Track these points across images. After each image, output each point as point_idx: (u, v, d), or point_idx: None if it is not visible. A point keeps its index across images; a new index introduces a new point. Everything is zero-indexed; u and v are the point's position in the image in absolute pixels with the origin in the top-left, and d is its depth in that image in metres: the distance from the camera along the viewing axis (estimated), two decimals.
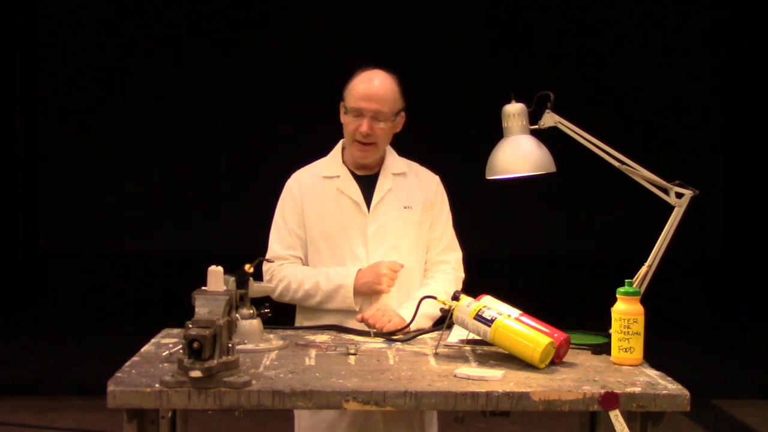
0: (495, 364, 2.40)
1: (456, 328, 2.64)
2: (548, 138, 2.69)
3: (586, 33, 10.95)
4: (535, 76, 8.81)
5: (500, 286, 3.14)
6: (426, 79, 9.67)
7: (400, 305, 2.91)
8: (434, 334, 2.72)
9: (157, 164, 10.87)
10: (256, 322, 2.59)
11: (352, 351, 2.53)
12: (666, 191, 2.60)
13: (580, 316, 3.44)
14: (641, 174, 2.60)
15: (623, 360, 2.42)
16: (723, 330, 8.49)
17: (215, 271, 2.29)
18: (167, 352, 2.32)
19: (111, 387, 2.12)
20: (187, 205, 10.82)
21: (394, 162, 3.06)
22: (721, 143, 11.36)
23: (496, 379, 2.25)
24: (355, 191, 3.00)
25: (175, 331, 2.72)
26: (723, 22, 11.13)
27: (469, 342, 2.62)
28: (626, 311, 2.42)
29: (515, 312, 2.52)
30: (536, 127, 2.69)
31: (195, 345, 2.08)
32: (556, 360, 2.41)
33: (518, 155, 2.68)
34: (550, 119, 2.66)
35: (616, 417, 2.15)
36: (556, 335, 2.42)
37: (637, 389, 2.20)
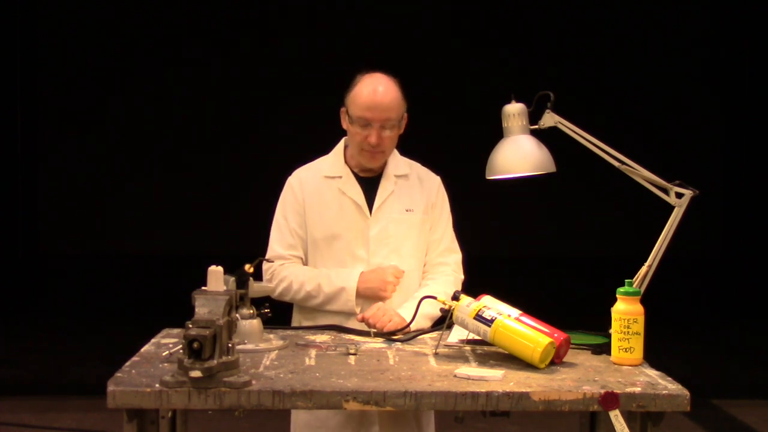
0: (495, 364, 2.40)
1: (456, 328, 2.64)
2: (548, 138, 2.68)
3: (586, 33, 10.96)
4: (535, 76, 8.83)
5: (500, 286, 3.14)
6: (426, 79, 9.68)
7: (399, 306, 2.91)
8: (434, 334, 2.72)
9: (157, 164, 10.88)
10: (256, 322, 2.59)
11: (352, 351, 2.52)
12: (666, 191, 2.60)
13: (580, 316, 3.44)
14: (641, 174, 2.60)
15: (623, 360, 2.42)
16: (723, 330, 8.49)
17: (215, 271, 2.29)
18: (167, 352, 2.32)
19: (111, 387, 2.12)
20: (187, 205, 10.83)
21: (397, 164, 3.03)
22: (721, 143, 11.37)
23: (496, 379, 2.25)
24: (357, 193, 2.98)
25: (175, 331, 2.72)
26: (723, 22, 11.14)
27: (469, 342, 2.62)
28: (626, 311, 2.42)
29: (515, 312, 2.52)
30: (536, 127, 2.69)
31: (195, 345, 2.08)
32: (556, 360, 2.41)
33: (518, 155, 2.68)
34: (550, 119, 2.66)
35: (616, 417, 2.15)
36: (556, 335, 2.42)
37: (637, 389, 2.20)
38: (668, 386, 2.23)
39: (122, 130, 10.91)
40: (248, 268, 2.57)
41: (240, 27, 10.95)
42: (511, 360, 2.42)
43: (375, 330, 2.78)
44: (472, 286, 2.87)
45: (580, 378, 2.29)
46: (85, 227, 10.91)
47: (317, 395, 2.14)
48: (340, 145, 3.05)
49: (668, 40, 11.14)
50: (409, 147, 3.08)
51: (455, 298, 2.52)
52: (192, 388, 2.11)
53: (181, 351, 2.14)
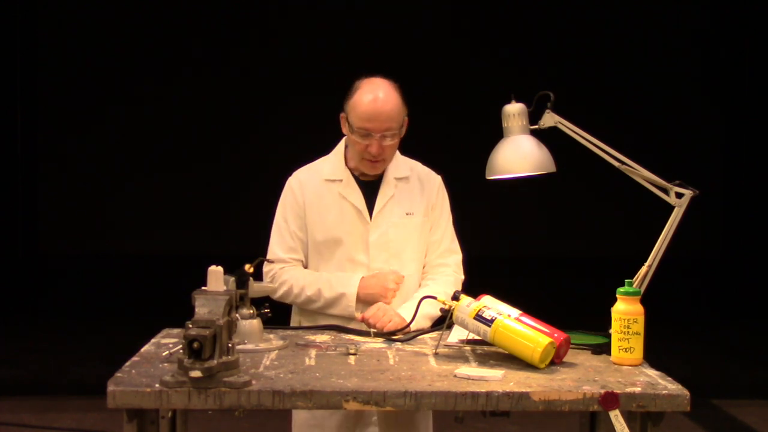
0: (495, 364, 2.40)
1: (456, 328, 2.64)
2: (548, 138, 2.68)
3: (586, 33, 10.96)
4: (535, 76, 8.83)
5: (500, 286, 3.14)
6: (426, 79, 9.69)
7: (399, 307, 2.90)
8: (434, 334, 2.72)
9: (157, 164, 10.88)
10: (256, 322, 2.59)
11: (352, 351, 2.52)
12: (666, 191, 2.60)
13: (580, 316, 3.44)
14: (641, 174, 2.60)
15: (623, 360, 2.42)
16: (723, 330, 8.49)
17: (215, 271, 2.29)
18: (167, 352, 2.32)
19: (111, 387, 2.12)
20: (187, 205, 10.83)
21: (397, 165, 3.01)
22: (721, 143, 11.37)
23: (496, 379, 2.25)
24: (357, 198, 2.96)
25: (175, 331, 2.72)
26: (723, 22, 11.14)
27: (469, 342, 2.62)
28: (626, 311, 2.42)
29: (515, 312, 2.52)
30: (536, 127, 2.69)
31: (195, 345, 2.08)
32: (556, 360, 2.41)
33: (518, 155, 2.68)
34: (550, 119, 2.66)
35: (616, 417, 2.15)
36: (556, 335, 2.42)
37: (637, 389, 2.20)
38: (668, 386, 2.23)
39: (122, 130, 10.91)
40: (248, 268, 2.57)
41: (240, 27, 10.95)
42: (511, 360, 2.42)
43: (375, 330, 2.78)
44: (472, 286, 2.87)
45: (580, 378, 2.29)
46: (85, 227, 10.92)
47: (317, 395, 2.14)
48: (341, 146, 3.02)
49: (668, 40, 11.14)
50: (409, 147, 3.08)
51: (455, 298, 2.52)
52: (192, 388, 2.11)
53: (181, 351, 2.14)
